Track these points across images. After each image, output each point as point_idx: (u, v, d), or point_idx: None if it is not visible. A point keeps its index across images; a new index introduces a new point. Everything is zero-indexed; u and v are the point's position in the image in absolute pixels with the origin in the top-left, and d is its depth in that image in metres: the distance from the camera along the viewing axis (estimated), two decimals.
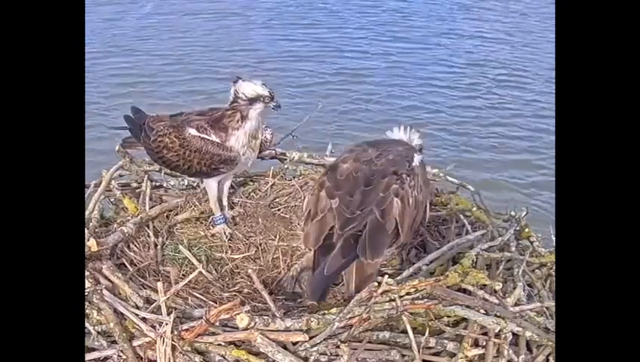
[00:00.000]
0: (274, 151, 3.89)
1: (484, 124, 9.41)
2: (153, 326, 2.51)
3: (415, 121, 8.71)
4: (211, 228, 3.47)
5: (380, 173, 2.84)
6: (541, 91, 10.46)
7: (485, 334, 2.57)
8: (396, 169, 2.85)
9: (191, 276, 2.81)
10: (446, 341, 2.54)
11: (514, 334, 2.61)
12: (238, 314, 2.41)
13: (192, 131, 3.21)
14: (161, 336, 2.44)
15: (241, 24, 13.92)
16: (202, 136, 3.19)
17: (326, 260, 2.65)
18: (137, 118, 3.47)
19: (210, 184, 3.40)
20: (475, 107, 10.02)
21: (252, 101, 3.13)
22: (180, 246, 3.25)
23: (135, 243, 3.20)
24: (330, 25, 14.07)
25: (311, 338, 2.44)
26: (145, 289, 2.79)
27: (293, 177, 3.87)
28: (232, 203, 3.65)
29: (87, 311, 2.60)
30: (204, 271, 3.06)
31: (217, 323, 2.46)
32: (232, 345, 2.45)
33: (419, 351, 2.43)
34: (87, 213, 3.27)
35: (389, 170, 2.84)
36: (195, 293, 2.90)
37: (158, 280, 2.72)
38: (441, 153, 8.09)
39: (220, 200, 3.50)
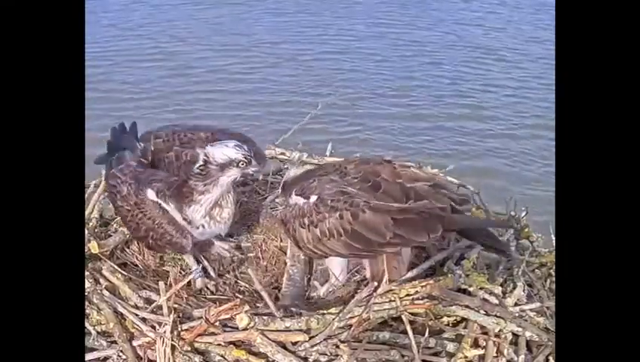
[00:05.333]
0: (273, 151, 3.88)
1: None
2: (153, 326, 2.51)
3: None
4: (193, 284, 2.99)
5: None
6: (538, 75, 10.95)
7: (485, 334, 2.57)
8: None
9: (191, 276, 2.81)
10: (446, 341, 2.54)
11: (514, 334, 2.61)
12: (238, 314, 2.41)
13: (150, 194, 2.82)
14: (161, 336, 2.44)
15: (243, 12, 14.26)
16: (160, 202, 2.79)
17: None
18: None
19: None
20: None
21: (224, 167, 2.71)
22: None
23: (135, 243, 3.20)
24: (333, 14, 14.42)
25: (311, 338, 2.44)
26: (145, 289, 2.79)
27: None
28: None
29: (87, 311, 2.60)
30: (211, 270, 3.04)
31: (217, 323, 2.47)
32: (232, 345, 2.45)
33: (419, 351, 2.43)
34: (87, 213, 3.27)
35: None
36: (194, 293, 2.90)
37: (159, 281, 2.72)
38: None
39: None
